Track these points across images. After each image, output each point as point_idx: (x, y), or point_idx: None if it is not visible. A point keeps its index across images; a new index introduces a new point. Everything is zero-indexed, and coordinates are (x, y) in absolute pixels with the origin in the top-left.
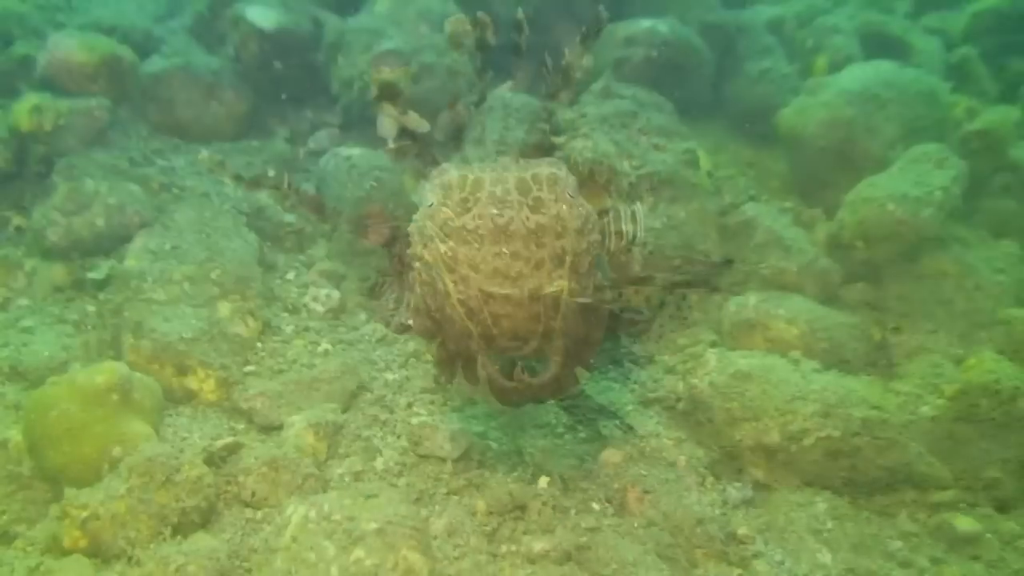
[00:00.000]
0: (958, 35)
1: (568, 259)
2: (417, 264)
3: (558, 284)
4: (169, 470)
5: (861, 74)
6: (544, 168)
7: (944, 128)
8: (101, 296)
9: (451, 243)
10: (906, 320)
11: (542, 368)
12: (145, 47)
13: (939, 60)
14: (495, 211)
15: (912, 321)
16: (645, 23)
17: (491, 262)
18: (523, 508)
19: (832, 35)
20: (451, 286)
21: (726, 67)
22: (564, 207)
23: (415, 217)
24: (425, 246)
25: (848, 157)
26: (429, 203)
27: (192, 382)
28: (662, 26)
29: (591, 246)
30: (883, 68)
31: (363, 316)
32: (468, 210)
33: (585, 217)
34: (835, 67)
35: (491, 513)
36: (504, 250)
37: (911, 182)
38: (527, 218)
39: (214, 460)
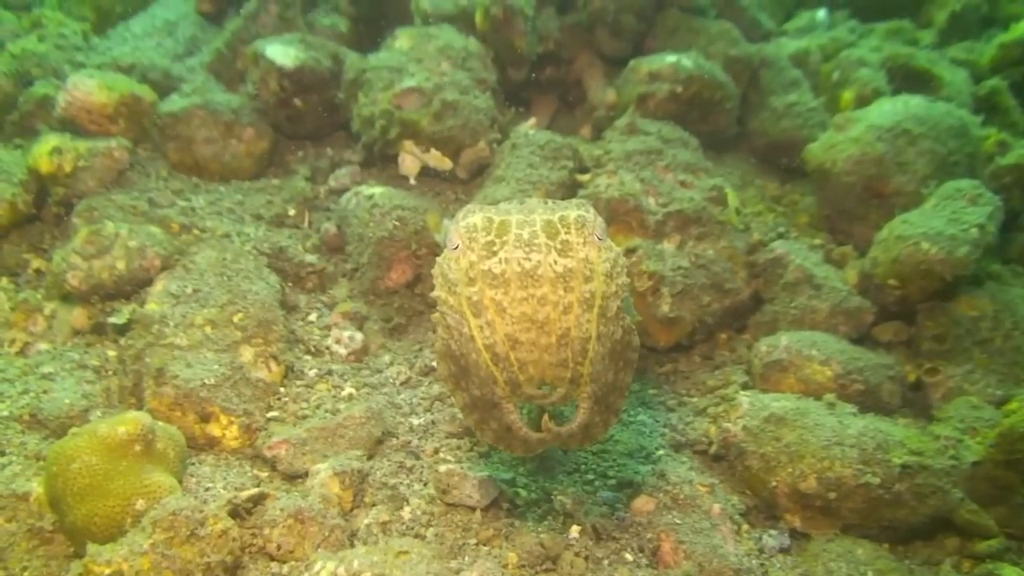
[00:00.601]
0: (985, 67)
1: (597, 303)
2: (441, 307)
3: (587, 329)
4: (194, 524)
5: (891, 109)
6: (572, 210)
7: (975, 162)
8: (122, 341)
9: (476, 287)
10: (942, 360)
11: (570, 414)
12: (164, 86)
13: (967, 92)
14: (522, 255)
15: (948, 361)
16: (669, 58)
17: (518, 307)
18: (555, 559)
19: (858, 68)
20: (476, 331)
21: (751, 101)
22: (592, 250)
23: (439, 259)
24: (449, 290)
25: (879, 193)
26: (454, 245)
27: (215, 429)
28: (687, 61)
29: (620, 289)
30: (913, 102)
31: (387, 358)
32: (494, 253)
33: (614, 260)
34: (862, 101)
35: (523, 565)
36: (531, 294)
37: (945, 219)
38: (555, 262)
39: (239, 512)
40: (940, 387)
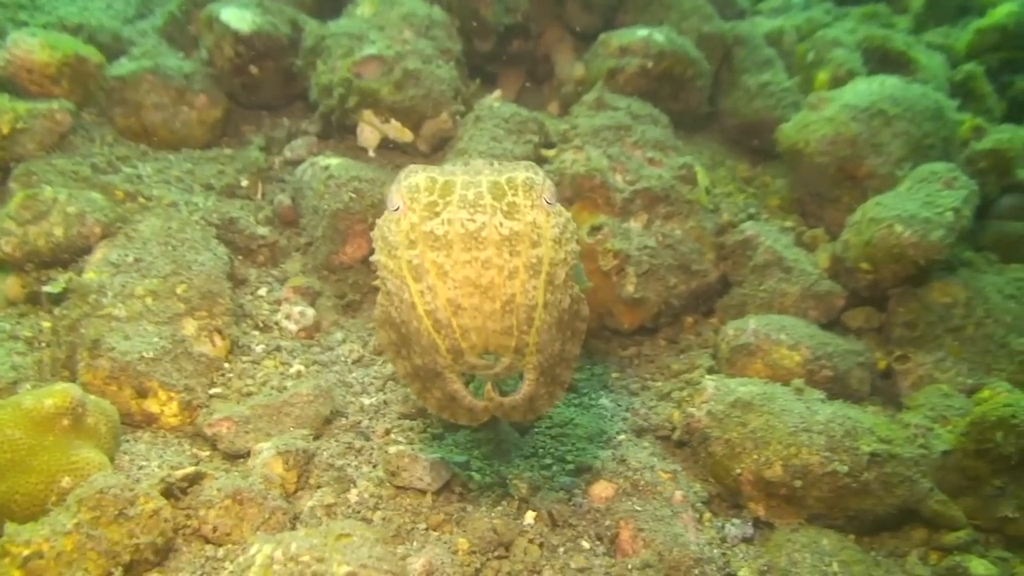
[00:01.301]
0: (961, 52)
1: (544, 269)
2: (381, 272)
3: (533, 296)
4: (123, 503)
5: (866, 89)
6: (520, 172)
7: (951, 146)
8: (57, 311)
9: (417, 250)
10: (913, 348)
11: (515, 385)
12: (113, 49)
13: (943, 77)
14: (466, 216)
15: (919, 349)
16: (641, 32)
17: (460, 270)
18: (508, 546)
19: (834, 49)
20: (417, 296)
21: (723, 80)
22: (540, 214)
23: (379, 221)
24: (389, 253)
25: (852, 175)
26: (395, 207)
27: (152, 405)
28: (658, 35)
29: (569, 256)
30: (889, 83)
31: (339, 335)
32: (437, 214)
33: (563, 225)
34: (837, 82)
35: (473, 552)
36: (475, 257)
37: (920, 202)
38: (500, 224)
39: (173, 492)
40: (910, 375)
